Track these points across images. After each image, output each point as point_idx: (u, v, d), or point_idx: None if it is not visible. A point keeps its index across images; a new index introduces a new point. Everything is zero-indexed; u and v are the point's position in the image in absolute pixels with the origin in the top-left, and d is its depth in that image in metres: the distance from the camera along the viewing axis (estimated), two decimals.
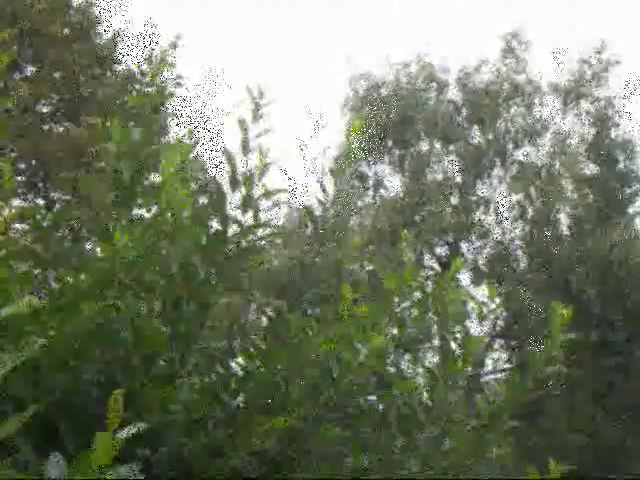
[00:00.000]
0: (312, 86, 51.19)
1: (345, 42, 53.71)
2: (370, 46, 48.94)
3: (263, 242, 2.94)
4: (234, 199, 2.89)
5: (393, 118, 27.27)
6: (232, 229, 2.85)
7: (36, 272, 2.88)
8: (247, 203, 2.85)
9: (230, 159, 2.87)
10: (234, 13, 61.74)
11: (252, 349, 3.01)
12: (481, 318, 3.32)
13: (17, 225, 2.99)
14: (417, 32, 46.38)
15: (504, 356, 27.02)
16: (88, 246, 3.17)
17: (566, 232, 26.71)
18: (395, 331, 3.23)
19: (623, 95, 26.53)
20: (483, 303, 3.42)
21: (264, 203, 2.95)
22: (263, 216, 2.89)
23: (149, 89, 3.11)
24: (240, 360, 3.08)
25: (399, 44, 50.03)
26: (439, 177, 27.81)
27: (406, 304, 3.22)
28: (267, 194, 2.90)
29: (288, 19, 57.90)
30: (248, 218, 2.88)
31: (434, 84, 28.12)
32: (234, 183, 2.87)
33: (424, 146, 28.44)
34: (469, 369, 3.21)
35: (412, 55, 27.97)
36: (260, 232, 2.91)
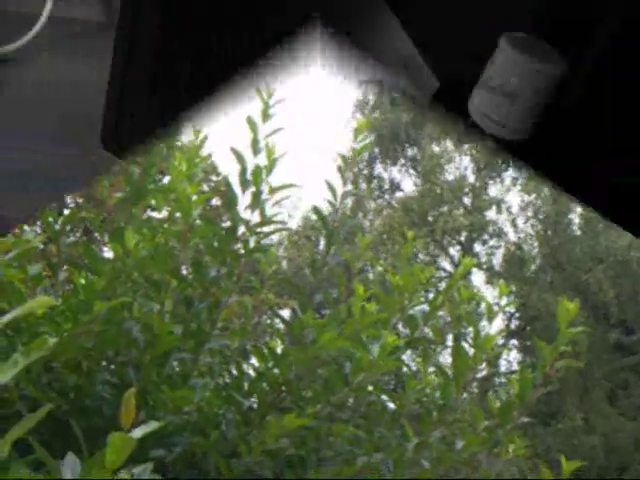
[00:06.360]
0: None
1: None
2: None
3: (269, 240, 2.97)
4: (244, 200, 2.92)
5: (403, 120, 27.14)
6: (242, 229, 2.88)
7: (47, 274, 2.89)
8: (255, 201, 2.88)
9: (239, 158, 2.90)
10: None
11: (265, 350, 3.02)
12: (491, 318, 3.32)
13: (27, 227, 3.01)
14: None
15: (518, 357, 26.94)
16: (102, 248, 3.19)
17: (578, 232, 26.59)
18: (406, 330, 3.24)
19: None
20: (496, 304, 3.42)
21: (276, 201, 2.97)
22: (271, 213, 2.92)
23: None
24: (253, 361, 3.09)
25: None
26: (452, 178, 27.72)
27: (417, 302, 3.22)
28: (273, 190, 2.93)
29: None
30: (255, 216, 2.91)
31: None
32: (244, 183, 2.90)
33: (437, 147, 28.35)
34: (482, 369, 3.21)
35: None
36: (267, 229, 2.94)
